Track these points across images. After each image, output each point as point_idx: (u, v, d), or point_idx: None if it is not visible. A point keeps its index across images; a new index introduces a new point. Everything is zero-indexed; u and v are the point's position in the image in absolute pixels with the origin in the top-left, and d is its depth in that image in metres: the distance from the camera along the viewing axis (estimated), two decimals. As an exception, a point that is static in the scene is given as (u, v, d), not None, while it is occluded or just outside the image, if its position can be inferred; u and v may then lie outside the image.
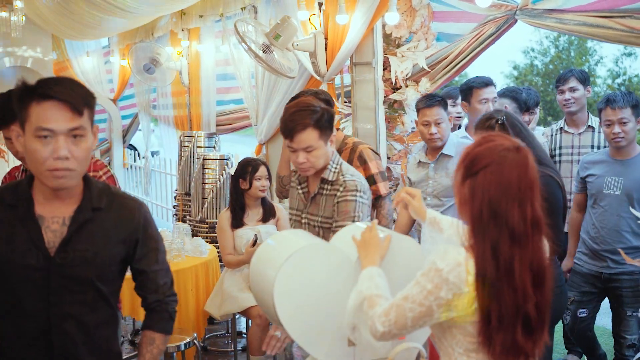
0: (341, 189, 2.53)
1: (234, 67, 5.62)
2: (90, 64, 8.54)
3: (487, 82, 3.73)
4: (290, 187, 2.80)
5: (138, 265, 1.86)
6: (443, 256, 1.64)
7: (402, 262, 2.02)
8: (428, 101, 3.34)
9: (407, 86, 4.01)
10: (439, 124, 3.31)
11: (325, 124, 2.48)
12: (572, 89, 3.81)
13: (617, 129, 3.21)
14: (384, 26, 4.00)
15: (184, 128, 6.83)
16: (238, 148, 7.05)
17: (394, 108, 4.09)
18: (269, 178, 3.82)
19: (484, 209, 1.62)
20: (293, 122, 2.44)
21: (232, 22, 4.45)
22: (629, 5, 2.92)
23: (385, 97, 4.07)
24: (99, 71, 8.58)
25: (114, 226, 1.79)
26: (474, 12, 3.58)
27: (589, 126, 3.82)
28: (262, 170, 3.77)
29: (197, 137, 5.98)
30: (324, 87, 4.29)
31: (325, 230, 2.56)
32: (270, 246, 2.05)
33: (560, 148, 3.87)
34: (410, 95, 3.99)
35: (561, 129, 3.89)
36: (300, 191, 2.69)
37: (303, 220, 2.66)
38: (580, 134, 3.82)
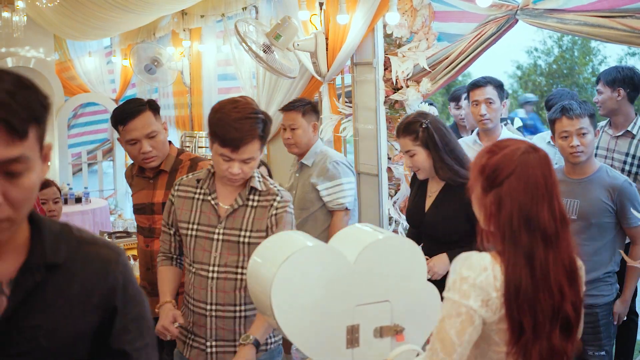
0: (278, 198, 2.34)
1: (235, 67, 5.62)
2: (93, 64, 8.55)
3: (476, 84, 3.65)
4: (179, 196, 2.42)
5: (117, 344, 1.25)
6: (467, 264, 1.61)
7: (400, 264, 2.01)
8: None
9: (408, 86, 4.00)
10: (293, 129, 3.53)
11: (266, 133, 2.30)
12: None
13: (575, 141, 2.85)
14: (384, 26, 3.99)
15: (186, 128, 6.83)
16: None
17: (394, 108, 4.08)
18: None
19: (515, 216, 1.59)
20: (240, 133, 2.19)
21: (233, 22, 4.45)
22: (630, 5, 2.90)
23: (386, 97, 4.06)
24: (101, 71, 8.60)
25: (80, 289, 1.21)
26: (475, 12, 3.56)
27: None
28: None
29: (199, 137, 5.98)
30: (324, 87, 4.28)
31: (252, 246, 2.21)
32: (268, 247, 2.04)
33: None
34: (411, 96, 3.97)
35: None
36: (212, 202, 2.36)
37: (216, 237, 2.34)
38: None
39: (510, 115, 5.36)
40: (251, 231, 2.32)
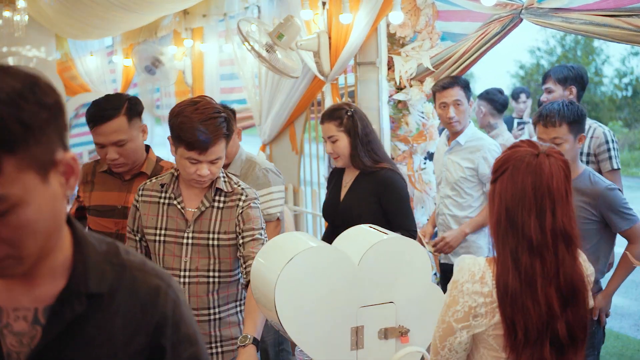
0: (243, 197, 2.31)
1: (237, 67, 5.61)
2: (94, 64, 8.54)
3: (445, 85, 3.50)
4: (143, 201, 2.35)
5: None
6: (459, 267, 1.61)
7: (405, 265, 1.99)
8: None
9: (411, 86, 3.98)
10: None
11: (230, 131, 2.25)
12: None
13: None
14: (388, 25, 3.97)
15: (188, 128, 6.81)
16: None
17: (398, 108, 4.06)
18: None
19: (502, 216, 1.58)
20: (207, 135, 2.13)
21: (235, 22, 4.43)
22: (636, 4, 2.88)
23: (389, 97, 4.04)
24: (103, 71, 8.58)
25: (125, 324, 1.04)
26: (479, 11, 3.54)
27: None
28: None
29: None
30: (327, 87, 4.27)
31: (222, 249, 2.27)
32: (272, 247, 2.02)
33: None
34: (415, 95, 3.96)
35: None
36: (179, 207, 2.31)
37: (185, 241, 2.29)
38: None
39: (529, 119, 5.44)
40: (219, 233, 2.29)
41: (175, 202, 2.31)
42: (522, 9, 3.31)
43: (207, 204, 2.30)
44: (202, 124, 2.13)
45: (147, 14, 5.67)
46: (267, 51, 4.04)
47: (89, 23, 6.27)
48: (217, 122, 2.17)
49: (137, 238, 2.39)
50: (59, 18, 6.49)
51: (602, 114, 19.21)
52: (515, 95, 5.90)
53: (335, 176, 3.26)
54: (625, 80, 19.96)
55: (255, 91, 5.49)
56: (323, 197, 4.77)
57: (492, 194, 1.63)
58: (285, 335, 1.91)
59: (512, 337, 1.56)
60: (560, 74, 3.60)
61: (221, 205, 2.31)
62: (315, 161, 5.17)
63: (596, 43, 19.97)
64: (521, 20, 3.36)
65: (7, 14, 7.01)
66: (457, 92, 3.46)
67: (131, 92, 8.32)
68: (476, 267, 1.59)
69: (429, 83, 3.88)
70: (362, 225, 2.16)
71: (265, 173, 3.13)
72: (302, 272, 1.86)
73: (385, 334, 1.97)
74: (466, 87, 3.50)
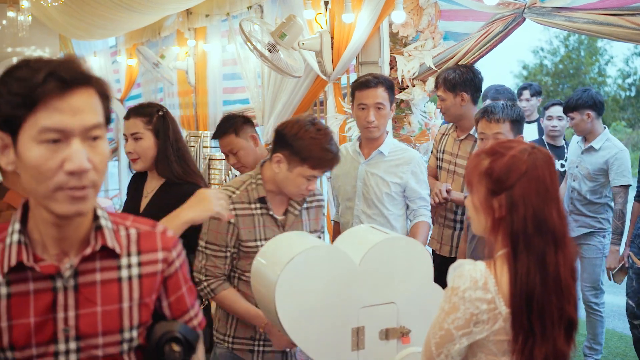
0: (319, 197, 2.50)
1: (240, 67, 5.61)
2: (98, 64, 8.55)
3: (365, 83, 3.04)
4: (238, 215, 2.35)
5: None
6: (458, 273, 1.58)
7: (406, 265, 1.98)
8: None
9: (414, 86, 3.97)
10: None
11: None
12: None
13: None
14: (390, 25, 3.96)
15: (191, 128, 6.81)
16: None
17: (400, 108, 4.05)
18: None
19: (529, 221, 1.55)
20: (335, 155, 2.33)
21: (238, 22, 4.43)
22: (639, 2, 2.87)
23: (392, 96, 4.03)
24: (106, 71, 8.59)
25: None
26: (482, 10, 3.53)
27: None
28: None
29: (203, 136, 5.96)
30: (330, 86, 4.26)
31: None
32: (272, 248, 2.02)
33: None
34: (417, 95, 3.95)
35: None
36: (272, 215, 2.39)
37: None
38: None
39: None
40: (310, 233, 2.42)
41: (271, 212, 2.39)
42: (524, 8, 3.30)
43: (299, 207, 2.45)
44: (329, 144, 2.29)
45: (150, 14, 5.68)
46: (269, 51, 4.03)
47: (93, 23, 6.28)
48: (335, 143, 2.33)
49: (228, 254, 2.38)
50: (63, 18, 6.50)
51: (605, 115, 19.15)
52: (518, 92, 5.32)
53: (136, 182, 2.84)
54: (629, 80, 19.92)
55: (257, 91, 5.49)
56: (325, 196, 4.77)
57: (509, 202, 1.56)
58: (285, 335, 1.91)
59: (524, 342, 1.53)
60: (449, 82, 3.44)
61: (306, 205, 2.49)
62: (318, 161, 5.16)
63: (600, 43, 19.94)
64: (524, 19, 3.35)
65: (11, 14, 7.04)
66: (379, 94, 2.99)
67: (134, 92, 8.33)
68: (477, 273, 1.55)
69: (432, 82, 3.87)
70: (362, 225, 2.15)
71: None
72: (303, 272, 1.85)
73: (386, 334, 1.96)
74: (390, 88, 3.05)
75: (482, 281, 1.54)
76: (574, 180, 4.15)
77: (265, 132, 5.38)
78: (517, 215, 1.55)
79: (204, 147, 5.91)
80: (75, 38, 7.99)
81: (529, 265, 1.54)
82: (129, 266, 1.30)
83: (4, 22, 7.41)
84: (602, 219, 4.11)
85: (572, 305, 1.58)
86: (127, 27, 6.66)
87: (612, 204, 4.05)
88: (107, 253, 1.27)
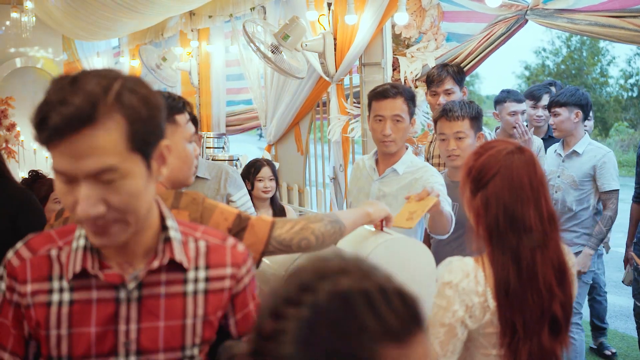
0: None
1: (243, 68, 5.62)
2: (101, 65, 8.56)
3: (383, 93, 2.74)
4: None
5: None
6: (449, 268, 1.61)
7: (410, 265, 1.99)
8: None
9: (416, 87, 3.98)
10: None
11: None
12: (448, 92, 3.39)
13: (452, 144, 2.76)
14: (393, 26, 3.98)
15: (194, 128, 6.83)
16: (247, 148, 7.05)
17: (403, 109, 4.06)
18: (275, 179, 3.79)
19: (500, 217, 1.59)
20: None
21: (241, 23, 4.44)
22: (642, 4, 2.88)
23: (394, 97, 4.04)
24: (109, 72, 8.61)
25: None
26: (484, 12, 3.55)
27: None
28: (264, 172, 3.74)
29: (206, 137, 5.98)
30: (332, 87, 4.28)
31: None
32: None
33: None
34: (420, 96, 3.96)
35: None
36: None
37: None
38: None
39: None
40: None
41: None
42: (527, 10, 3.31)
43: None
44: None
45: (153, 15, 5.69)
46: (272, 52, 4.05)
47: (96, 24, 6.30)
48: None
49: None
50: (66, 19, 6.52)
51: (607, 115, 19.17)
52: (536, 96, 4.38)
53: None
54: (631, 81, 19.90)
55: (261, 92, 5.51)
56: (328, 198, 4.78)
57: (483, 200, 1.61)
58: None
59: (511, 335, 1.57)
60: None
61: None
62: (321, 162, 5.19)
63: (602, 44, 19.93)
64: (526, 21, 3.36)
65: (14, 15, 7.05)
66: (398, 105, 2.69)
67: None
68: (468, 266, 1.60)
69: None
70: (365, 225, 2.16)
71: (236, 175, 2.92)
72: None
73: (389, 334, 1.97)
74: (411, 100, 2.74)
75: (473, 273, 1.59)
76: (556, 192, 3.69)
77: (268, 133, 5.40)
78: (490, 213, 1.60)
79: (206, 147, 5.93)
80: (79, 39, 8.01)
81: (503, 260, 1.59)
82: (196, 280, 1.24)
83: (8, 23, 7.43)
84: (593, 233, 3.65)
85: (558, 304, 1.60)
86: (130, 28, 6.68)
87: (598, 214, 3.66)
88: (174, 266, 1.22)
